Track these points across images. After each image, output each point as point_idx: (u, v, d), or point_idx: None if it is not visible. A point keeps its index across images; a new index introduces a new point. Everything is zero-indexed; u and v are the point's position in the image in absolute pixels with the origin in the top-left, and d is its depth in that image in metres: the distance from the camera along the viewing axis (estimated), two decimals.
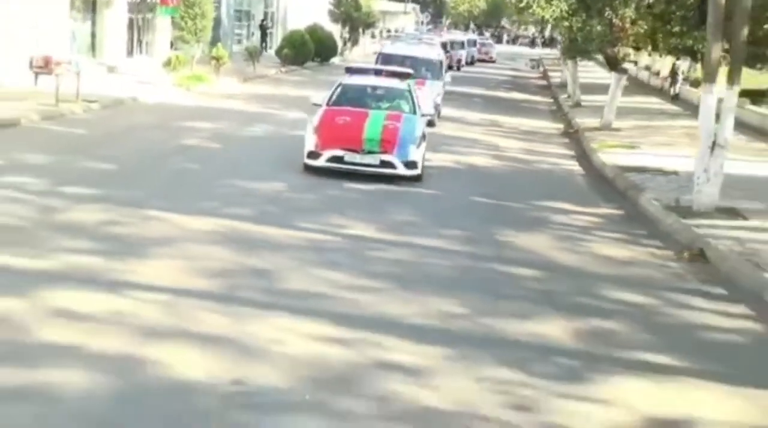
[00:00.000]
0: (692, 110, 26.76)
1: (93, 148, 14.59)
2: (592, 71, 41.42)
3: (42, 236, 8.77)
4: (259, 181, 12.63)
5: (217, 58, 28.33)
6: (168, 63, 25.86)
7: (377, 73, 16.05)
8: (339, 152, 12.99)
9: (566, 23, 24.77)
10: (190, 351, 6.12)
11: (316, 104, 14.63)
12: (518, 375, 6.20)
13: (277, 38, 46.50)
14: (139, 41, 31.27)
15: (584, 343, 7.05)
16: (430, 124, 15.02)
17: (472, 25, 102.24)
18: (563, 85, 34.72)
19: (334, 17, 51.86)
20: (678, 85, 32.52)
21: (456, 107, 25.15)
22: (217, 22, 33.03)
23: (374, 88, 15.22)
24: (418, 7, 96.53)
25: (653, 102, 30.90)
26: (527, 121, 24.34)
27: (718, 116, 11.78)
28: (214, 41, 31.25)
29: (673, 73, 32.91)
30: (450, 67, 40.61)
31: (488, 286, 8.42)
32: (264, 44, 44.13)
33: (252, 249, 8.99)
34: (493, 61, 57.41)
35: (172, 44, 31.66)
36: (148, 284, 7.49)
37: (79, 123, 17.49)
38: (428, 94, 19.15)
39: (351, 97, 14.64)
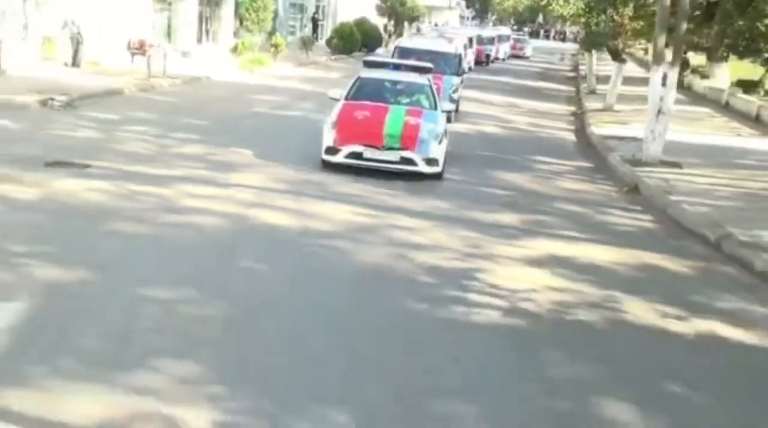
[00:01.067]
0: (693, 97, 30.16)
1: (184, 110, 18.65)
2: (612, 65, 44.54)
3: (167, 159, 12.79)
4: (307, 135, 16.53)
5: (275, 46, 32.38)
6: (235, 49, 29.95)
7: (396, 67, 15.72)
8: (358, 148, 12.72)
9: (582, 20, 28.28)
10: (275, 214, 10.06)
11: (333, 99, 14.38)
12: (476, 234, 10.02)
13: (327, 30, 50.51)
14: (206, 31, 35.44)
15: (526, 225, 10.82)
16: (448, 120, 14.91)
17: (511, 21, 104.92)
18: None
19: (381, 11, 55.86)
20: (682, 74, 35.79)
21: (481, 91, 28.89)
22: (275, 14, 37.05)
23: (394, 82, 14.89)
24: (463, 2, 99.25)
25: None
26: (544, 104, 27.91)
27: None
28: (272, 31, 35.33)
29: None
30: (480, 63, 42.79)
31: (472, 196, 12.23)
32: (315, 35, 48.15)
33: (311, 170, 12.92)
34: (527, 58, 57.22)
35: (234, 33, 35.78)
36: (243, 184, 11.47)
37: (167, 94, 21.61)
38: (445, 89, 19.30)
39: (370, 92, 14.31)
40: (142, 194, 10.40)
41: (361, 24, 46.09)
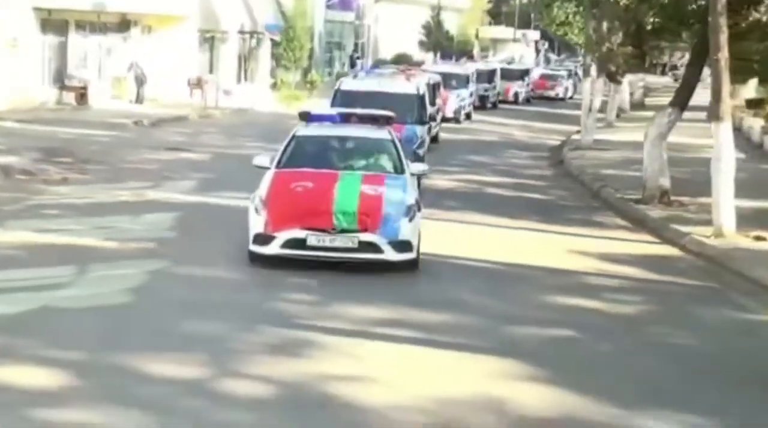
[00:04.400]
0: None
1: (240, 131, 32.23)
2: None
3: (238, 145, 26.24)
4: None
5: (311, 82, 46.28)
6: (274, 85, 43.99)
7: (345, 118, 15.41)
8: (300, 233, 12.42)
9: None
10: None
11: (260, 167, 13.93)
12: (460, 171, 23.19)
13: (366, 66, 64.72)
14: (245, 70, 49.53)
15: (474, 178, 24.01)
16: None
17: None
18: None
19: (425, 47, 70.00)
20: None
21: (495, 116, 42.28)
22: (311, 52, 51.11)
23: (342, 139, 14.82)
24: (533, 33, 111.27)
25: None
26: (554, 125, 40.79)
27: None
28: (309, 68, 49.36)
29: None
30: (480, 106, 43.13)
31: (453, 162, 25.30)
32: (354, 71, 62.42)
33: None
34: (561, 100, 57.54)
35: (271, 73, 49.80)
36: None
37: (221, 120, 35.38)
38: (407, 143, 18.92)
39: (311, 155, 14.24)
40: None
41: (400, 61, 59.91)
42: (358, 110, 16.14)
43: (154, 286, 11.60)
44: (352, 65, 64.53)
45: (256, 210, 12.72)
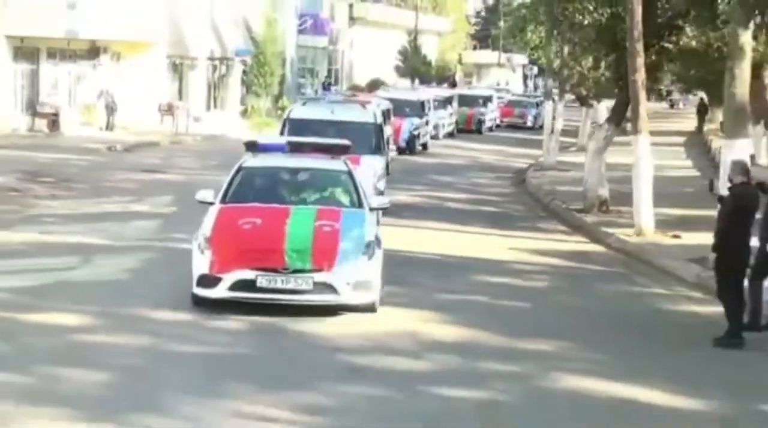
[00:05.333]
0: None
1: (212, 156, 35.97)
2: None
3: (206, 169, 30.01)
4: None
5: (282, 109, 50.13)
6: (244, 112, 47.90)
7: (296, 148, 15.37)
8: (249, 274, 12.48)
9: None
10: None
11: (203, 202, 14.05)
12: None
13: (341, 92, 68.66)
14: (214, 98, 53.37)
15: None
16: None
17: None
18: None
19: (400, 72, 74.06)
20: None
21: (468, 141, 46.21)
22: (282, 78, 54.95)
23: (294, 171, 14.81)
24: (519, 57, 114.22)
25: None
26: (527, 150, 44.70)
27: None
28: (280, 95, 53.25)
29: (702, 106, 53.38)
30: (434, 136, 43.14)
31: (421, 178, 29.12)
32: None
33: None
34: (530, 128, 58.03)
35: (241, 100, 53.67)
36: None
37: (193, 146, 39.17)
38: (366, 175, 18.75)
39: (259, 188, 14.37)
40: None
41: (374, 86, 63.80)
42: (311, 139, 16.35)
43: (148, 267, 15.43)
44: (325, 91, 68.52)
45: (201, 249, 12.79)
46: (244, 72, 52.63)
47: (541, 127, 51.90)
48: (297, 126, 21.66)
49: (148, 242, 17.51)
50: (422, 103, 42.56)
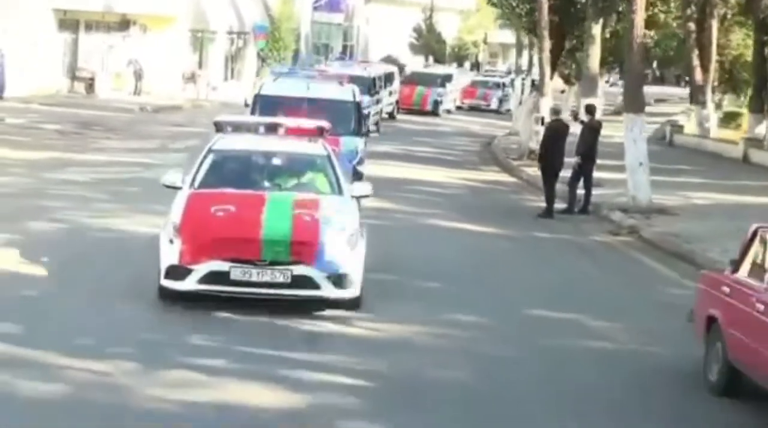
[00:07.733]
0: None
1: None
2: None
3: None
4: None
5: None
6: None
7: (270, 128, 15.28)
8: (221, 266, 12.63)
9: None
10: None
11: (170, 187, 14.04)
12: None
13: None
14: (231, 69, 63.38)
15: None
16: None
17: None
18: None
19: (415, 50, 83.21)
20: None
21: (465, 115, 56.06)
22: (296, 52, 64.86)
23: (269, 155, 14.80)
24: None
25: None
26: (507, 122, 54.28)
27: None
28: None
29: None
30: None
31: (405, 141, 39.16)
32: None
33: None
34: (494, 111, 58.99)
35: (256, 73, 63.56)
36: None
37: (210, 110, 49.21)
38: (344, 157, 19.05)
39: (232, 173, 14.40)
40: None
41: (386, 63, 73.13)
42: (287, 119, 16.16)
43: None
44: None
45: (169, 238, 12.86)
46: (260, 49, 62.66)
47: (508, 111, 55.26)
48: (268, 104, 21.67)
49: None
50: (372, 81, 42.00)
